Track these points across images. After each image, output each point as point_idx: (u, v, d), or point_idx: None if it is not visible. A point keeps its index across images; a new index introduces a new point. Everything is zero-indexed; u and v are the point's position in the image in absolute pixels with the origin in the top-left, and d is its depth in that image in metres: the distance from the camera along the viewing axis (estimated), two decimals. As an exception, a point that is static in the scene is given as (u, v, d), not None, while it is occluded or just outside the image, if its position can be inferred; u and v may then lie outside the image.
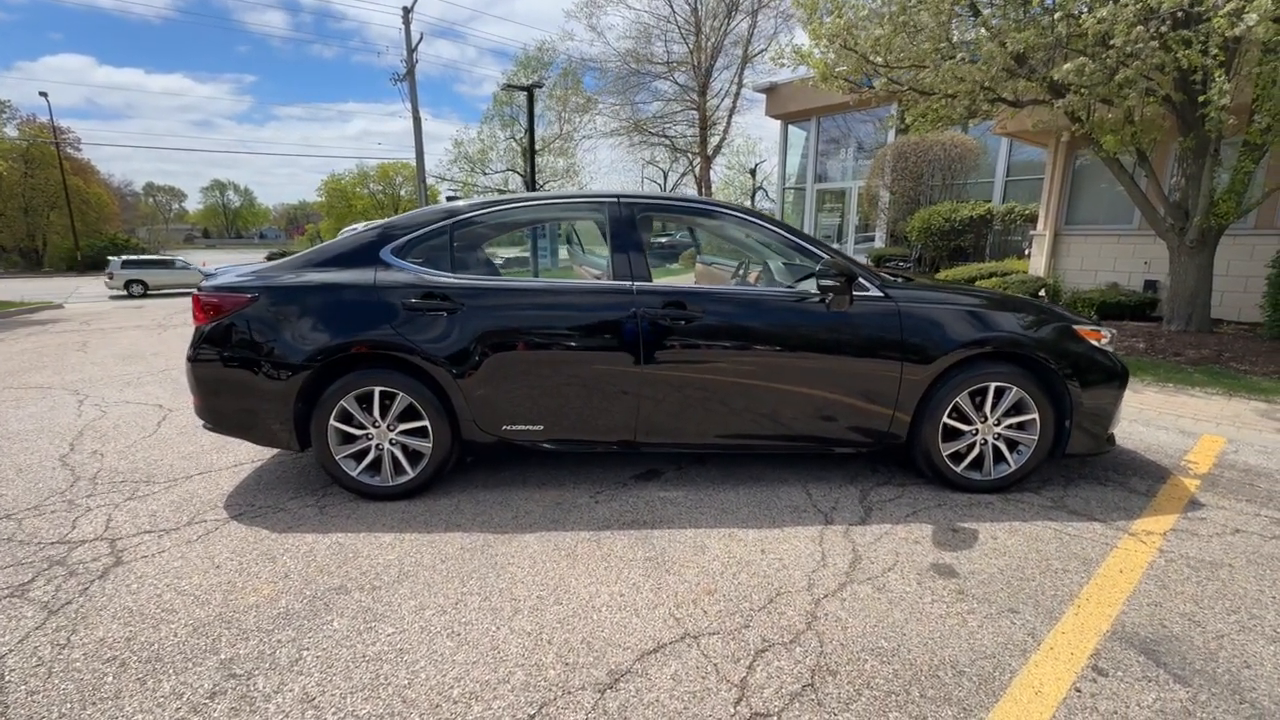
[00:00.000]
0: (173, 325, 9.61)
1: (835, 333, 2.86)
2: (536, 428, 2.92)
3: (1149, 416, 4.34)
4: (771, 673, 1.79)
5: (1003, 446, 3.00)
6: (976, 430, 2.98)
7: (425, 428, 2.88)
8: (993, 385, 2.92)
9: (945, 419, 2.94)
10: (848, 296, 2.78)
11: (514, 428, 2.91)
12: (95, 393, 5.12)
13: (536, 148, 29.71)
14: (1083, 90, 5.92)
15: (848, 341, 2.87)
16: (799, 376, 2.90)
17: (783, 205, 20.55)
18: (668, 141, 27.34)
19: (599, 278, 3.32)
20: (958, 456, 3.01)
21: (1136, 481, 3.19)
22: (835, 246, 3.18)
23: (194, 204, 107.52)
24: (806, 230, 13.80)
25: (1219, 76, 4.92)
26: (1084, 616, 2.05)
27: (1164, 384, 5.23)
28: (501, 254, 4.58)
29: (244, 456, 3.55)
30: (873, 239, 17.21)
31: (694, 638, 1.95)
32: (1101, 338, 3.03)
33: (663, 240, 20.33)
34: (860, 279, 2.90)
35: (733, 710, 1.65)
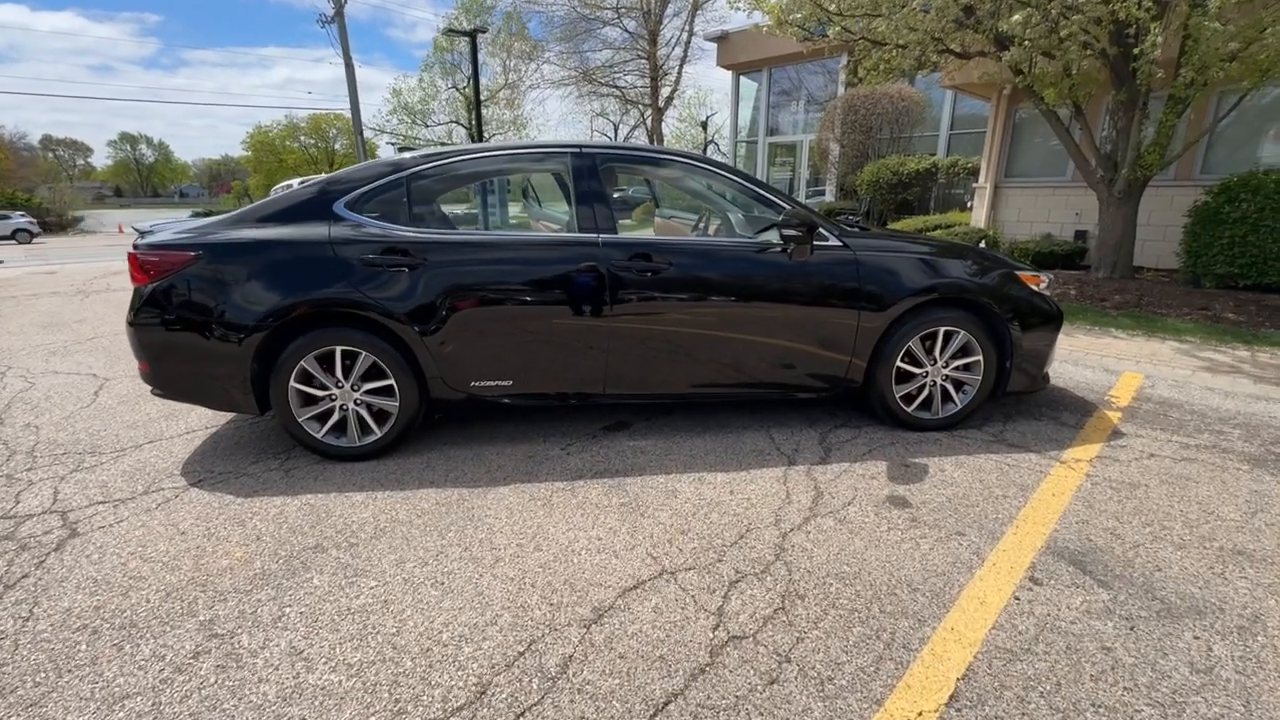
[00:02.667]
0: (95, 291, 8.95)
1: (797, 282, 2.95)
2: (505, 383, 2.92)
3: (1078, 357, 4.68)
4: (745, 600, 1.92)
5: (950, 387, 3.19)
6: (927, 373, 3.15)
7: (391, 386, 2.84)
8: (942, 330, 3.08)
9: (898, 363, 3.10)
10: (809, 246, 2.85)
11: (483, 384, 2.91)
12: (18, 364, 4.77)
13: (482, 98, 28.41)
14: (1026, 43, 6.08)
15: (809, 290, 2.96)
16: (763, 325, 2.99)
17: (735, 158, 20.47)
18: (618, 92, 26.59)
19: (558, 232, 3.29)
20: (909, 398, 3.19)
21: (1067, 416, 3.46)
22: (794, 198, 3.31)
23: (102, 159, 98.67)
24: (759, 184, 13.87)
25: (1154, 28, 5.14)
26: (1022, 535, 2.26)
27: (1091, 327, 5.62)
28: (460, 209, 4.44)
29: (196, 423, 3.42)
30: (823, 192, 17.43)
31: (671, 574, 2.06)
32: (1040, 282, 3.22)
33: (616, 195, 20.00)
34: (821, 229, 2.97)
35: (711, 635, 1.77)
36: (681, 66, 25.46)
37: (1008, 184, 10.39)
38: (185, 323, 2.71)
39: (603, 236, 2.86)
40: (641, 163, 3.49)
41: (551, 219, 4.42)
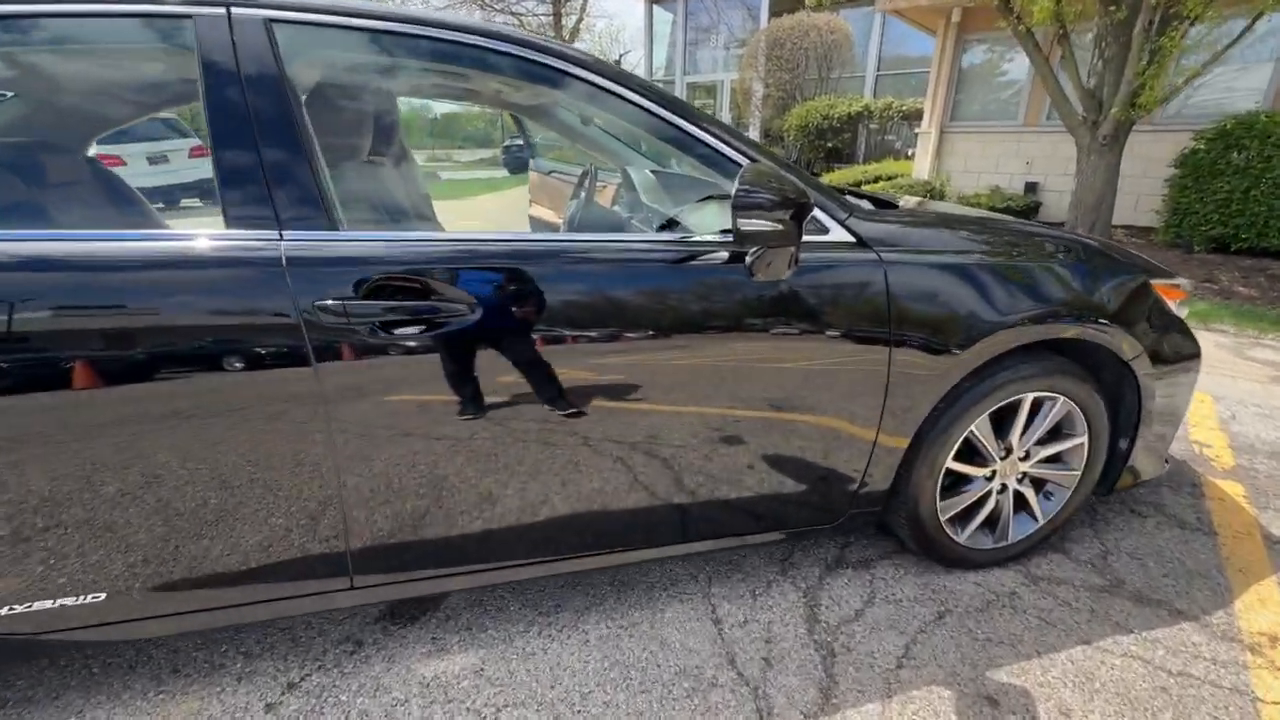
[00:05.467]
0: None
1: (763, 332, 1.36)
2: (88, 600, 1.20)
3: (1110, 365, 3.45)
4: None
5: (1027, 491, 1.78)
6: (993, 474, 1.71)
7: None
8: (1029, 398, 1.63)
9: (949, 461, 1.63)
10: (792, 250, 1.25)
11: (21, 609, 1.17)
12: None
13: (357, 26, 24.40)
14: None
15: (789, 354, 1.39)
16: (693, 417, 1.40)
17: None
18: (515, 20, 23.47)
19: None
20: (960, 516, 1.75)
21: (1171, 499, 2.16)
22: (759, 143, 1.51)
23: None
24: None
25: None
26: None
27: (1094, 311, 4.46)
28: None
29: None
30: (747, 139, 15.87)
31: None
32: (1181, 296, 1.82)
33: (518, 143, 17.15)
34: (819, 209, 1.39)
35: None
36: (588, -8, 22.66)
37: (954, 128, 9.22)
38: None
39: (291, 241, 1.13)
40: (415, 52, 1.37)
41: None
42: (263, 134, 1.13)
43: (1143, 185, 7.32)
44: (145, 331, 1.07)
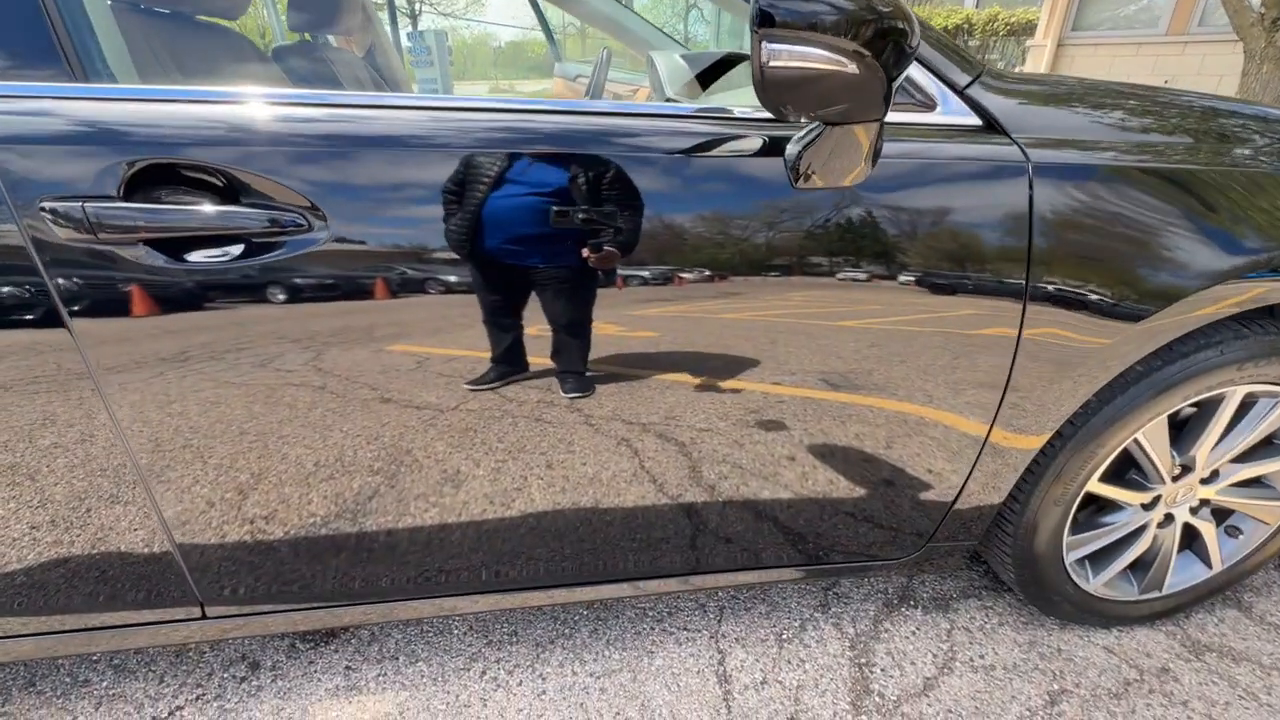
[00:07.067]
0: None
1: (812, 273, 0.83)
2: None
3: None
4: None
5: (1204, 524, 1.20)
6: (1156, 500, 1.14)
7: None
8: (1238, 392, 1.03)
9: (1094, 481, 1.08)
10: (870, 136, 0.70)
11: None
12: None
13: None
14: None
15: (854, 296, 0.85)
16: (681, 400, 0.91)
17: (719, 27, 16.76)
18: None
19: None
20: (1093, 558, 1.21)
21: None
22: None
23: None
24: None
25: None
26: None
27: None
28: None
29: None
30: (824, 61, 14.26)
31: None
32: None
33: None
34: (922, 67, 0.82)
35: None
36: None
37: (1075, 39, 7.79)
38: None
39: (7, 100, 0.68)
40: None
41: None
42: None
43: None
44: None
